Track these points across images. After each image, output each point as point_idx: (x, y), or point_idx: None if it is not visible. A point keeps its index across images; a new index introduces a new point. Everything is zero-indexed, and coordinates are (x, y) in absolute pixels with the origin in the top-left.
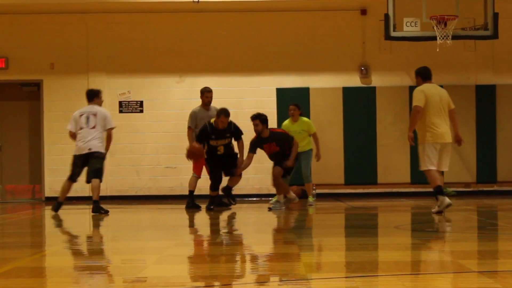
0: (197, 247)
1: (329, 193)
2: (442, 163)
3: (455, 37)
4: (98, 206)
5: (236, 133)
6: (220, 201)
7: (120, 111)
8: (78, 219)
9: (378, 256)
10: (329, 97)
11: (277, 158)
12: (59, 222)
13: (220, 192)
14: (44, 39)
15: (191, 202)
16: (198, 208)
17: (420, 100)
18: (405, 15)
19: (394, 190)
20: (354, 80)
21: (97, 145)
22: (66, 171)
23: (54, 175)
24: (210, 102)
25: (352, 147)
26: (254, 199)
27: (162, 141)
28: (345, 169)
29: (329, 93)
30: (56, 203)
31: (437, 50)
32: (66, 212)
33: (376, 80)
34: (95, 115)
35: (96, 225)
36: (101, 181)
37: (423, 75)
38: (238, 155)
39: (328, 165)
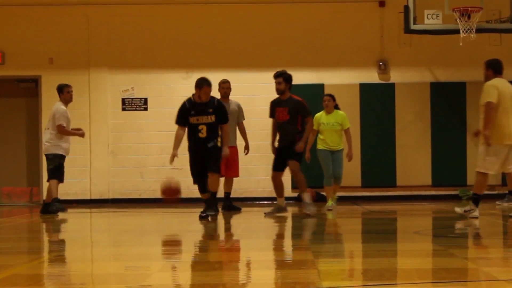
0: (205, 253)
1: (345, 196)
2: (508, 164)
3: (479, 30)
4: (47, 207)
5: (220, 112)
6: (227, 204)
7: (123, 109)
8: (78, 223)
9: (397, 263)
10: (345, 94)
11: (283, 135)
12: (58, 227)
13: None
14: (43, 32)
15: (227, 203)
16: (237, 210)
17: (494, 96)
18: (426, 7)
19: (414, 193)
20: (371, 76)
21: (46, 147)
22: (65, 172)
23: None
24: (227, 94)
25: (369, 148)
26: (265, 202)
27: (168, 140)
28: (362, 171)
29: (345, 90)
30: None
31: (460, 44)
32: (65, 216)
33: (395, 76)
34: (53, 114)
35: (98, 229)
36: (60, 181)
37: (495, 68)
38: (223, 148)
39: (344, 167)
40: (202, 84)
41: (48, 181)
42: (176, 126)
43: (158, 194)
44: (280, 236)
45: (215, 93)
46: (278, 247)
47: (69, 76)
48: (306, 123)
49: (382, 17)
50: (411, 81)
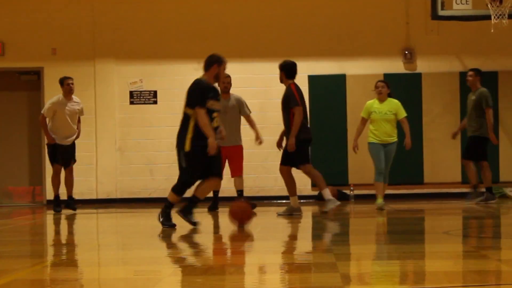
0: (219, 256)
1: (368, 194)
2: None
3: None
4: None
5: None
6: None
7: (131, 103)
8: (84, 224)
9: (425, 266)
10: (368, 85)
11: (286, 128)
12: (63, 228)
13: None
14: (45, 21)
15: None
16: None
17: None
18: None
19: (443, 190)
20: (396, 66)
21: None
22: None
23: None
24: (228, 89)
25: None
26: (284, 201)
27: None
28: None
29: (369, 81)
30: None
31: (492, 31)
32: (71, 217)
33: (422, 66)
34: None
35: (105, 231)
36: (59, 166)
37: None
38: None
39: (367, 163)
40: (222, 59)
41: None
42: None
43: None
44: (297, 237)
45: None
46: (296, 248)
47: (74, 68)
48: (293, 113)
49: (407, 3)
50: (439, 71)
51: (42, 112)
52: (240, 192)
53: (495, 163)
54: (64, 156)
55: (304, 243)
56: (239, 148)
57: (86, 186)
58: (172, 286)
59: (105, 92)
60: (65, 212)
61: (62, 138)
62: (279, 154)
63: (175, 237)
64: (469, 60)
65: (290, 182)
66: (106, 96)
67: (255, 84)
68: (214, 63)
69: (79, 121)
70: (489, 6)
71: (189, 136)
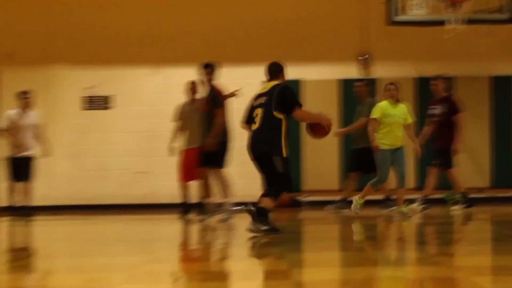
0: (173, 263)
1: (323, 201)
2: None
3: (467, 21)
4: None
5: (282, 96)
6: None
7: (85, 108)
8: (35, 232)
9: (375, 273)
10: (324, 91)
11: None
12: (12, 236)
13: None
14: (3, 25)
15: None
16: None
17: None
18: None
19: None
20: (352, 71)
21: None
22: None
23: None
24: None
25: (350, 148)
26: (238, 207)
27: (133, 142)
28: (339, 173)
29: (324, 86)
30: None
31: (447, 36)
32: (21, 225)
33: (378, 71)
34: None
35: (57, 238)
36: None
37: None
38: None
39: (321, 169)
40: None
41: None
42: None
43: (122, 200)
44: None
45: (175, 95)
46: (253, 255)
47: (30, 73)
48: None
49: (363, 8)
50: (394, 76)
51: None
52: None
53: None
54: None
55: (259, 251)
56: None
57: (38, 193)
58: None
59: (59, 97)
60: (19, 219)
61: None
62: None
63: (129, 244)
64: (424, 65)
65: (206, 185)
66: (60, 101)
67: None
68: (283, 69)
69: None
70: (444, 11)
71: (284, 142)
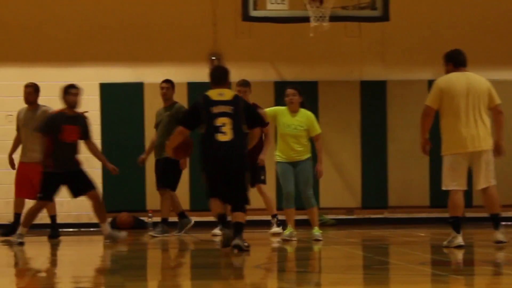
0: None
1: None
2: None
3: (333, 19)
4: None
5: (250, 110)
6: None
7: None
8: None
9: None
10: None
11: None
12: None
13: None
14: None
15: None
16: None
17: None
18: None
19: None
20: (203, 74)
21: None
22: None
23: None
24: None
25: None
26: (71, 230)
27: None
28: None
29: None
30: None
31: (311, 35)
32: None
33: (232, 73)
34: None
35: None
36: None
37: (455, 60)
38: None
39: None
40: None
41: None
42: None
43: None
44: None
45: None
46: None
47: None
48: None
49: (214, 1)
50: (251, 79)
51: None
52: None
53: (315, 188)
54: None
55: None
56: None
57: None
58: None
59: None
60: None
61: None
62: None
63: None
64: (285, 68)
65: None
66: None
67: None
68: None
69: None
70: (308, 6)
71: None
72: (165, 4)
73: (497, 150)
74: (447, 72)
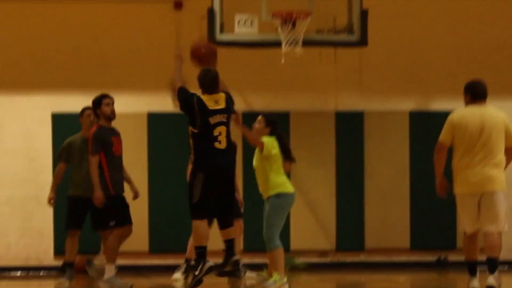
0: None
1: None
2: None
3: (307, 43)
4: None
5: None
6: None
7: None
8: None
9: None
10: (131, 125)
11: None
12: None
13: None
14: None
15: None
16: None
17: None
18: (238, 10)
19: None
20: (164, 102)
21: None
22: None
23: None
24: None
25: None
26: (19, 273)
27: None
28: None
29: (130, 120)
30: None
31: (282, 61)
32: None
33: None
34: None
35: None
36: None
37: (473, 92)
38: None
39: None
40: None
41: None
42: None
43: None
44: None
45: None
46: None
47: None
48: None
49: (179, 23)
50: None
51: None
52: None
53: (286, 229)
54: None
55: None
56: None
57: None
58: None
59: None
60: None
61: None
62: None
63: None
64: (253, 97)
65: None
66: None
67: None
68: None
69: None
70: (279, 30)
71: None
72: (124, 29)
73: None
74: (466, 104)
